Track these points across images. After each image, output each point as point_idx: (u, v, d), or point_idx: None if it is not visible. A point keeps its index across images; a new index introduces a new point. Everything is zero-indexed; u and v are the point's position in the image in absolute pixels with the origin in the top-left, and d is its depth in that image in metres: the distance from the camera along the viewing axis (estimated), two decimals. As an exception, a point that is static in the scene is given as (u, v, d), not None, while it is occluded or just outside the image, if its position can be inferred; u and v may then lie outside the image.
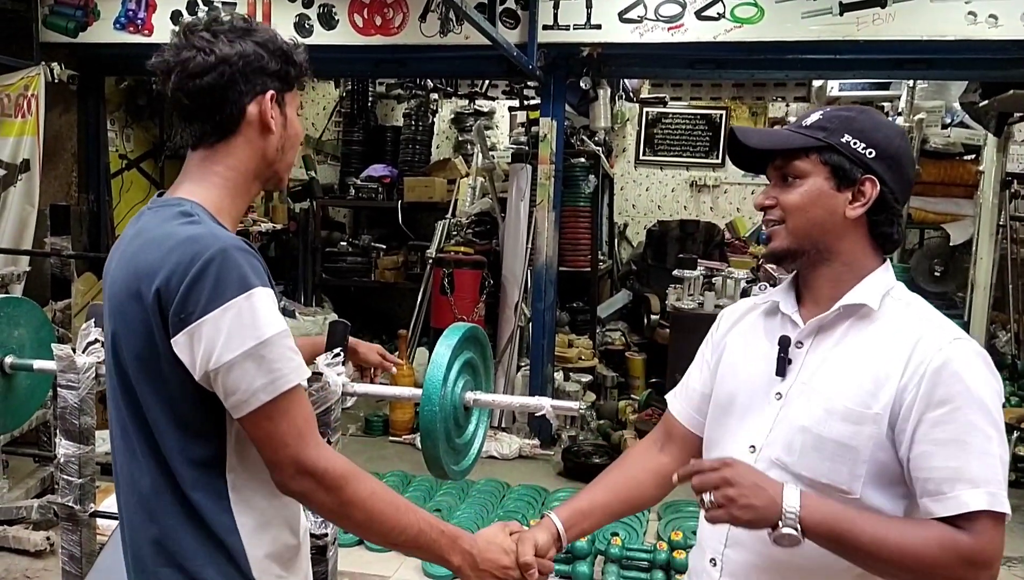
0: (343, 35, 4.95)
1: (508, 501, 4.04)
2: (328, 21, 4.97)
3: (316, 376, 1.82)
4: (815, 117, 1.28)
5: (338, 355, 1.90)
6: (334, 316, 6.79)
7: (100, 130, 5.62)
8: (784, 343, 1.28)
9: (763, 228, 1.38)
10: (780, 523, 1.12)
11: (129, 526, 1.28)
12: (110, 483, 1.39)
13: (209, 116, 1.25)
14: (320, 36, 4.94)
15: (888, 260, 1.30)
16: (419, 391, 1.74)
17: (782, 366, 1.27)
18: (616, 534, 3.60)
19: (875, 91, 6.74)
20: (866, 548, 1.11)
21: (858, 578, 1.21)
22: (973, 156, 5.79)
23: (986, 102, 5.01)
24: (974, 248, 5.60)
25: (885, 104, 7.02)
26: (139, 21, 5.16)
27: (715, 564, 1.31)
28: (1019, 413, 4.36)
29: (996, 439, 1.14)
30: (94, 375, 1.94)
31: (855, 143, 1.23)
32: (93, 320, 1.96)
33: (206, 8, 5.10)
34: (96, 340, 1.93)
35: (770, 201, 1.29)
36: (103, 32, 5.19)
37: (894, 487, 1.19)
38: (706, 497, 1.15)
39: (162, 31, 5.09)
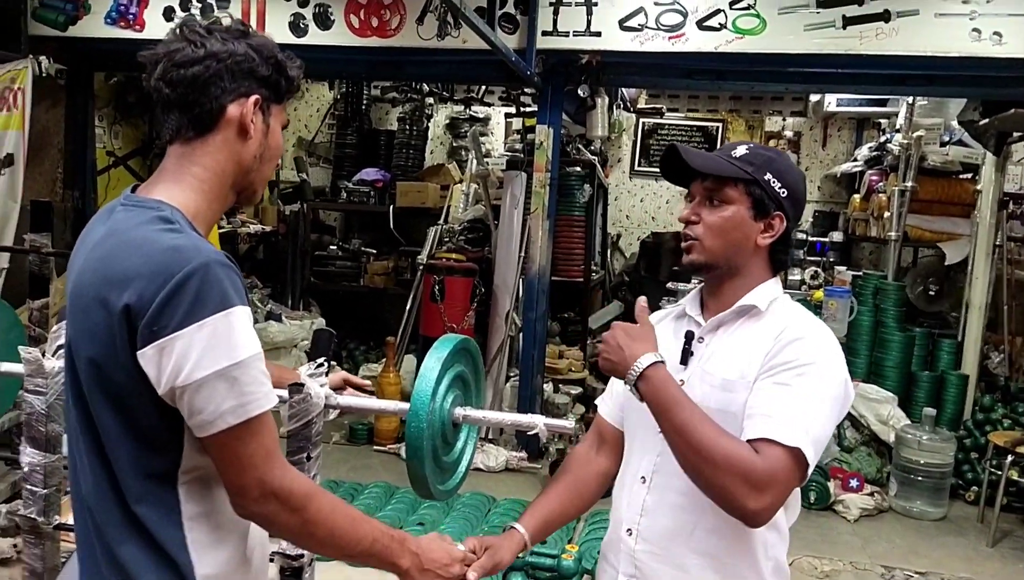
0: (338, 36, 4.87)
1: (494, 515, 3.94)
2: (324, 21, 4.89)
3: (298, 387, 1.73)
4: (742, 151, 1.46)
5: (321, 366, 1.81)
6: (321, 321, 6.68)
7: (88, 126, 5.51)
8: (688, 337, 1.48)
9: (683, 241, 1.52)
10: (625, 379, 1.36)
11: (79, 535, 1.24)
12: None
13: (188, 108, 1.20)
14: (315, 36, 4.85)
15: (778, 277, 1.52)
16: (405, 406, 1.65)
17: (685, 356, 1.47)
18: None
19: (872, 107, 6.72)
20: (676, 428, 1.29)
21: (763, 546, 1.41)
22: (971, 175, 5.75)
23: (986, 121, 4.96)
24: (970, 268, 5.56)
25: (882, 120, 7.00)
26: (131, 16, 5.06)
27: (631, 533, 1.47)
28: (1013, 436, 4.30)
29: (817, 399, 1.31)
30: (63, 380, 1.84)
31: (774, 182, 1.42)
32: (64, 322, 1.86)
33: (199, 5, 5.01)
34: (67, 343, 1.83)
35: (695, 217, 1.45)
36: (93, 26, 5.08)
37: None
38: None
39: (154, 27, 4.99)
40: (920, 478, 4.46)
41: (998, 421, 5.02)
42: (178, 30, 1.22)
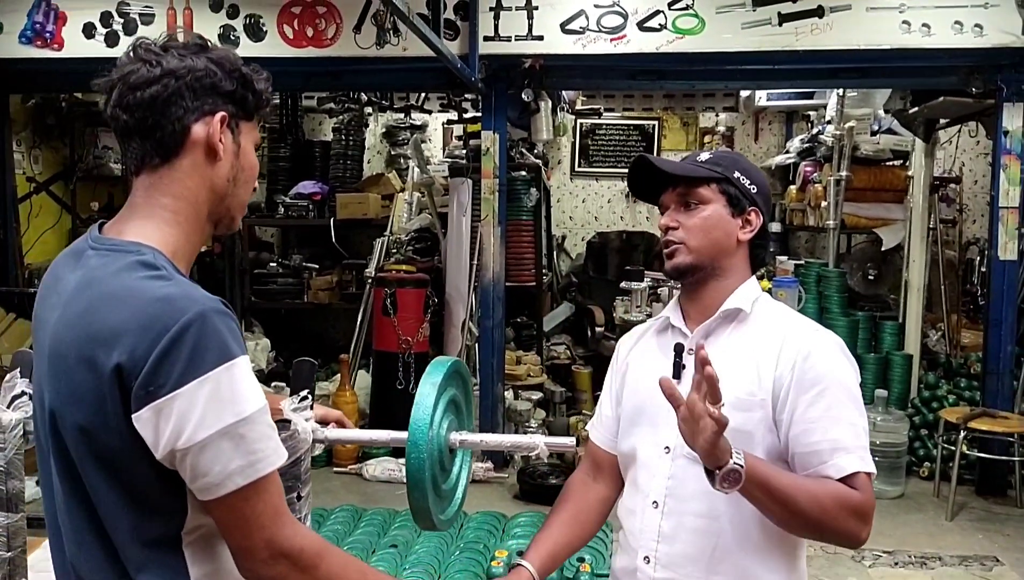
0: (271, 47, 4.72)
1: (467, 531, 3.86)
2: (255, 32, 4.74)
3: (284, 424, 1.64)
4: (706, 156, 1.49)
5: (305, 398, 1.72)
6: (266, 342, 6.49)
7: (5, 151, 5.21)
8: (679, 349, 1.45)
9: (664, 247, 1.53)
10: (731, 459, 1.24)
11: None
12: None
13: (149, 133, 1.11)
14: (247, 48, 4.69)
15: (754, 274, 1.52)
16: (401, 435, 1.58)
17: (677, 370, 1.44)
18: (583, 560, 3.48)
19: (801, 100, 6.88)
20: (784, 492, 1.26)
21: (784, 556, 1.41)
22: (901, 162, 5.95)
23: (915, 109, 5.14)
24: (906, 251, 5.76)
25: (811, 112, 7.18)
26: (47, 35, 4.80)
27: (649, 561, 1.43)
28: (963, 412, 4.45)
29: (857, 411, 1.36)
30: (21, 433, 1.70)
31: (743, 179, 1.45)
32: (19, 370, 1.72)
33: (121, 20, 4.79)
34: (24, 393, 1.69)
35: (674, 224, 1.46)
36: (7, 46, 4.81)
37: (780, 464, 1.36)
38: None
39: (74, 45, 4.76)
40: (877, 458, 4.45)
41: (943, 397, 5.20)
42: (131, 51, 1.12)
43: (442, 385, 1.60)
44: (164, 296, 1.01)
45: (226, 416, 0.99)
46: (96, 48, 4.75)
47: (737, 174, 1.45)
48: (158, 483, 1.04)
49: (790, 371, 1.35)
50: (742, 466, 1.21)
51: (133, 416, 0.99)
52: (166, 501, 1.06)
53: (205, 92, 1.12)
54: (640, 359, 1.56)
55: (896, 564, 3.71)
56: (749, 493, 1.26)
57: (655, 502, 1.44)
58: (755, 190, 1.46)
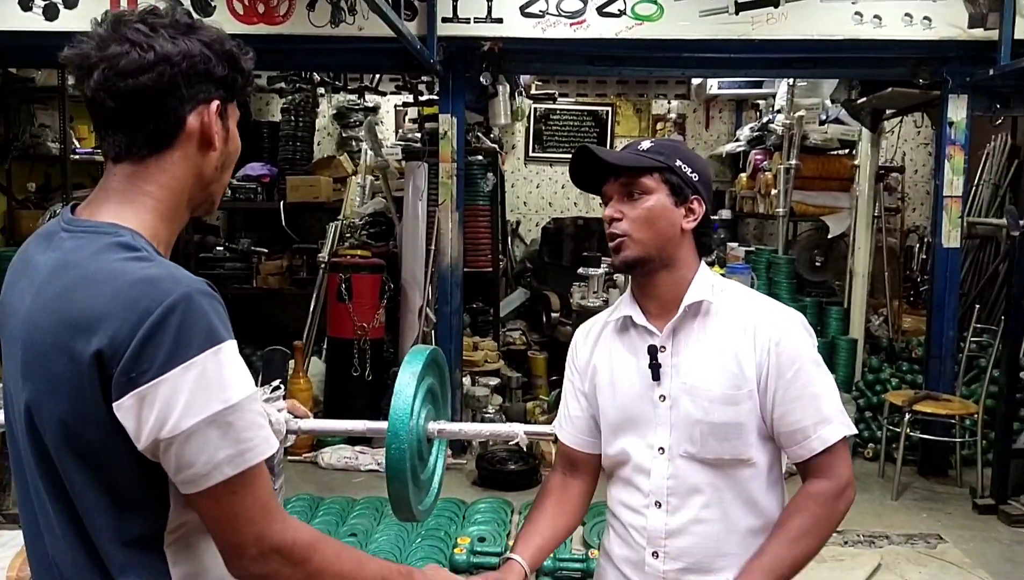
0: (220, 23, 4.53)
1: (429, 518, 3.84)
2: (203, 8, 4.56)
3: (256, 415, 1.59)
4: (647, 145, 1.47)
5: (278, 388, 1.67)
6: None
7: (-67, 128, 4.93)
8: (652, 352, 1.44)
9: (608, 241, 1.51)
10: None
11: None
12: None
13: (141, 124, 1.04)
14: (195, 25, 4.52)
15: (703, 260, 1.52)
16: (380, 425, 1.55)
17: (656, 371, 1.44)
18: (591, 547, 3.49)
19: (750, 88, 6.98)
20: (798, 567, 1.38)
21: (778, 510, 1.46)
22: (847, 151, 6.09)
23: (864, 99, 5.26)
24: (852, 238, 5.90)
25: (760, 101, 7.30)
26: (-22, 4, 4.54)
27: (657, 556, 1.45)
28: (908, 395, 4.60)
29: (827, 378, 1.43)
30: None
31: (684, 168, 1.44)
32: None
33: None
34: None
35: (618, 214, 1.44)
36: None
37: (767, 443, 1.43)
38: None
39: (9, 18, 4.51)
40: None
41: (887, 380, 5.37)
42: (111, 26, 1.03)
43: (421, 374, 1.58)
44: (146, 277, 0.95)
45: (213, 403, 0.95)
46: (34, 21, 4.51)
47: (679, 162, 1.44)
48: (140, 479, 0.99)
49: (766, 357, 1.39)
50: None
51: (114, 405, 0.94)
52: (148, 499, 1.01)
53: (200, 80, 1.05)
54: (609, 361, 1.53)
55: (846, 543, 3.82)
56: None
57: (658, 502, 1.45)
58: (697, 178, 1.45)
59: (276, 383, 1.67)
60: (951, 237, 4.68)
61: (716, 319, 1.44)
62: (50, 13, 4.54)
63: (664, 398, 1.44)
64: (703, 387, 1.41)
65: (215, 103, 1.07)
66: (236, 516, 0.99)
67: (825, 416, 1.38)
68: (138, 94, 1.01)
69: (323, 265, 5.47)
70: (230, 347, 0.98)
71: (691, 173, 1.45)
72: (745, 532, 1.42)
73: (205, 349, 0.95)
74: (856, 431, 1.43)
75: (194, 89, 1.05)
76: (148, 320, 0.92)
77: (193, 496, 0.98)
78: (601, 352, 1.55)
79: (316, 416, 1.89)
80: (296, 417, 1.75)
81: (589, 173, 1.49)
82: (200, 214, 1.20)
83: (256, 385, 1.69)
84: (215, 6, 4.58)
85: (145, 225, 1.04)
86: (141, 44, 1.01)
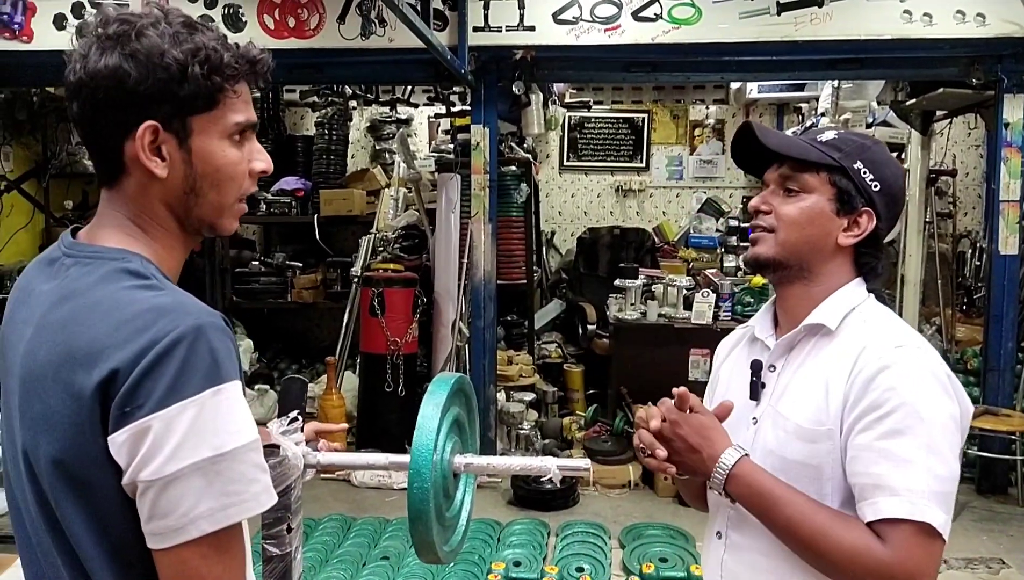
0: (251, 38, 4.52)
1: (454, 559, 3.73)
2: (234, 23, 4.55)
3: (272, 449, 1.49)
4: (830, 136, 1.27)
5: (295, 420, 1.58)
6: (248, 342, 6.30)
7: (-27, 148, 5.00)
8: (756, 367, 1.30)
9: (750, 231, 1.34)
10: (711, 484, 1.21)
11: None
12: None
13: (90, 150, 0.98)
14: (226, 40, 4.50)
15: (859, 281, 1.29)
16: (402, 459, 1.45)
17: (755, 390, 1.30)
18: (582, 569, 3.38)
19: (792, 92, 6.78)
20: (783, 527, 1.15)
21: None
22: (896, 154, 5.86)
23: (913, 101, 5.05)
24: (902, 245, 5.67)
25: (802, 105, 7.09)
26: (16, 26, 4.59)
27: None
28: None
29: (926, 450, 1.10)
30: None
31: (865, 172, 1.23)
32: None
33: (93, 11, 4.58)
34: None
35: (766, 207, 1.28)
36: (-28, 38, 4.59)
37: (852, 503, 1.17)
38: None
39: (44, 37, 4.56)
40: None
41: (941, 394, 5.12)
42: (75, 36, 1.00)
43: (446, 405, 1.47)
44: (154, 306, 0.88)
45: (203, 449, 0.86)
46: (68, 40, 4.54)
47: (859, 165, 1.23)
48: (139, 525, 0.89)
49: (854, 389, 1.15)
50: (723, 473, 1.18)
51: (109, 439, 0.85)
52: (147, 553, 0.90)
53: (131, 100, 0.93)
54: (730, 373, 1.41)
55: (902, 568, 3.62)
56: (746, 506, 1.20)
57: (719, 532, 1.34)
58: (877, 188, 1.23)
59: (294, 415, 1.58)
60: (1008, 243, 4.46)
61: (831, 343, 1.23)
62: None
63: (756, 421, 1.29)
64: (785, 415, 1.23)
65: (146, 125, 0.94)
66: None
67: (890, 484, 1.09)
68: (77, 119, 0.96)
69: (356, 279, 5.41)
70: (233, 388, 0.89)
71: (871, 180, 1.23)
72: None
73: (206, 388, 0.87)
74: (936, 524, 1.07)
75: (124, 112, 0.93)
76: (151, 351, 0.85)
77: (158, 553, 0.87)
78: (729, 363, 1.44)
79: (349, 432, 1.80)
80: (316, 449, 1.65)
81: (752, 154, 1.30)
82: (209, 235, 1.10)
83: (274, 415, 1.59)
84: (246, 21, 4.57)
85: (148, 250, 0.98)
86: (78, 61, 0.94)
